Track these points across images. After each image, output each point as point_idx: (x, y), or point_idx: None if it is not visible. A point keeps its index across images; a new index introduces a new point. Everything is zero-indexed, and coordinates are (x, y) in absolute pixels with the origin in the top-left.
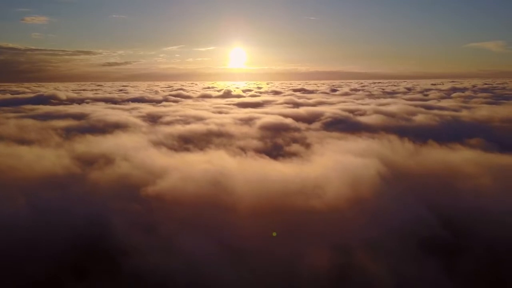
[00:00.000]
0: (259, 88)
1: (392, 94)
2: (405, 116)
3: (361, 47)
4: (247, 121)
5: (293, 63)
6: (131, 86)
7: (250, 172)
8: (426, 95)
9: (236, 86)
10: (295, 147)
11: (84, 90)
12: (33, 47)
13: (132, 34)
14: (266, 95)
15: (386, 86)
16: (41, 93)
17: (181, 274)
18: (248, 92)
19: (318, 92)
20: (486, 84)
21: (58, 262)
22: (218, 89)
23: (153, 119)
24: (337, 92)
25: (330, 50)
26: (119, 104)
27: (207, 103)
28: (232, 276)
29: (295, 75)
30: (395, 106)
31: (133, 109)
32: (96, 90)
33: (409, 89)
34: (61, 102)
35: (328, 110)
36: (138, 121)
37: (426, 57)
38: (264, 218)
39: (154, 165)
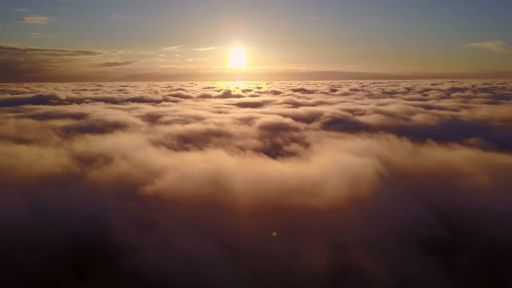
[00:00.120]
0: (259, 88)
1: (391, 94)
2: (405, 116)
3: (361, 47)
4: (247, 120)
5: (293, 63)
6: (131, 86)
7: (249, 171)
8: (426, 95)
9: (236, 86)
10: (294, 147)
11: (84, 90)
12: (33, 47)
13: (132, 34)
14: (265, 95)
15: (386, 86)
16: (41, 93)
17: (179, 273)
18: (247, 92)
19: (317, 92)
20: (485, 84)
21: (56, 261)
22: (217, 89)
23: (153, 119)
24: (336, 92)
25: (330, 50)
26: (119, 104)
27: (206, 103)
28: (230, 275)
29: (295, 75)
30: (395, 106)
31: (132, 109)
32: (96, 90)
33: (408, 89)
34: (60, 102)
35: (328, 110)
36: (138, 121)
37: (426, 57)
38: (263, 217)
39: (153, 164)
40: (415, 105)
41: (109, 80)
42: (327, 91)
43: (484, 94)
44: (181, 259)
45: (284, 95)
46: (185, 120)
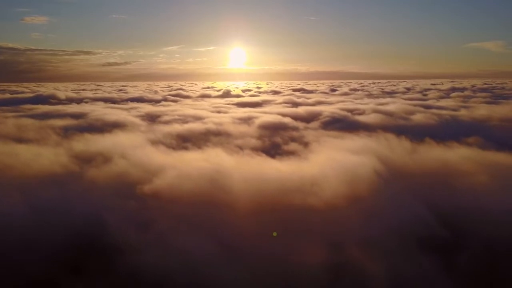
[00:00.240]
0: (258, 88)
1: (391, 94)
2: (404, 115)
3: (361, 47)
4: (246, 120)
5: (293, 63)
6: (131, 86)
7: (247, 170)
8: (425, 95)
9: (235, 86)
10: (293, 146)
11: (83, 90)
12: (33, 47)
13: (132, 34)
14: (265, 95)
15: (386, 86)
16: (40, 93)
17: (178, 272)
18: (247, 92)
19: (317, 92)
20: (485, 84)
21: (55, 261)
22: (217, 89)
23: (152, 119)
24: (336, 92)
25: (330, 50)
26: (118, 104)
27: (206, 102)
28: (229, 274)
29: (295, 75)
30: (394, 105)
31: (132, 108)
32: (95, 90)
33: (408, 89)
34: (60, 101)
35: (327, 110)
36: (137, 120)
37: (426, 57)
38: (261, 216)
39: (151, 163)
40: (415, 105)
41: (109, 80)
42: (327, 91)
43: (483, 94)
44: (179, 258)
45: (283, 95)
46: (184, 119)
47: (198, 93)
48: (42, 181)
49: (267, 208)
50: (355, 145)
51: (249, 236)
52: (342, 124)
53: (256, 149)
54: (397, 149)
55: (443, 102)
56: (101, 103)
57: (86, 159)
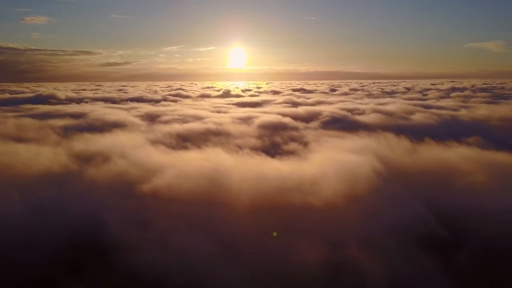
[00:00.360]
0: (258, 88)
1: (391, 93)
2: (403, 115)
3: (361, 47)
4: (246, 120)
5: (293, 63)
6: (131, 86)
7: (247, 170)
8: (425, 94)
9: (235, 86)
10: (293, 146)
11: (83, 90)
12: (33, 47)
13: (132, 34)
14: (265, 94)
15: (386, 86)
16: (40, 92)
17: (177, 271)
18: (247, 92)
19: (317, 92)
20: (485, 84)
21: (54, 260)
22: (217, 89)
23: (152, 118)
24: (336, 92)
25: (330, 50)
26: (118, 104)
27: (206, 102)
28: (228, 274)
29: (295, 75)
30: (394, 105)
31: (131, 108)
32: (95, 90)
33: (408, 89)
34: (60, 101)
35: (327, 109)
36: (137, 120)
37: (426, 57)
38: (261, 216)
39: (151, 163)
40: (414, 105)
41: (109, 80)
42: (326, 91)
43: (483, 94)
44: (179, 257)
45: (283, 95)
46: (184, 119)
47: (198, 93)
48: (41, 181)
49: (266, 207)
50: (354, 144)
51: (249, 236)
52: (342, 124)
53: (255, 149)
54: (397, 148)
55: (443, 102)
56: (101, 103)
57: (86, 159)
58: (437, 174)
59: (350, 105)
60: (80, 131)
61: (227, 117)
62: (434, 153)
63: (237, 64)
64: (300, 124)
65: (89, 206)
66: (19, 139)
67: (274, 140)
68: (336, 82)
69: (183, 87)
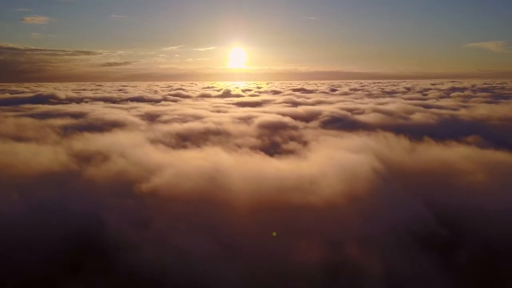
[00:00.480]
0: (258, 88)
1: (391, 93)
2: (403, 114)
3: (362, 47)
4: (246, 119)
5: (293, 63)
6: (131, 86)
7: (246, 169)
8: (425, 94)
9: (235, 86)
10: (292, 145)
11: (83, 90)
12: (33, 47)
13: (132, 34)
14: (265, 94)
15: (386, 86)
16: (40, 92)
17: (177, 271)
18: (247, 92)
19: (317, 91)
20: (485, 84)
21: (54, 259)
22: (217, 89)
23: (152, 118)
24: (336, 92)
25: (330, 50)
26: (118, 104)
27: (206, 102)
28: (227, 273)
29: (295, 75)
30: (394, 105)
31: (131, 108)
32: (95, 90)
33: (408, 89)
34: (60, 101)
35: (327, 109)
36: (137, 120)
37: (427, 57)
38: (260, 215)
39: (150, 162)
40: (414, 104)
41: (109, 80)
42: (327, 90)
43: (483, 94)
44: (178, 256)
45: (283, 95)
46: (184, 119)
47: (198, 93)
48: (41, 180)
49: (266, 206)
50: (354, 144)
51: (248, 235)
52: (342, 124)
53: (255, 148)
54: (396, 148)
55: (443, 102)
56: (101, 103)
57: (85, 158)
58: (437, 173)
59: (350, 105)
60: (80, 131)
61: (227, 117)
62: (433, 153)
63: (237, 64)
64: (300, 124)
65: (88, 205)
66: (19, 139)
67: (274, 140)
68: (336, 82)
69: (183, 87)
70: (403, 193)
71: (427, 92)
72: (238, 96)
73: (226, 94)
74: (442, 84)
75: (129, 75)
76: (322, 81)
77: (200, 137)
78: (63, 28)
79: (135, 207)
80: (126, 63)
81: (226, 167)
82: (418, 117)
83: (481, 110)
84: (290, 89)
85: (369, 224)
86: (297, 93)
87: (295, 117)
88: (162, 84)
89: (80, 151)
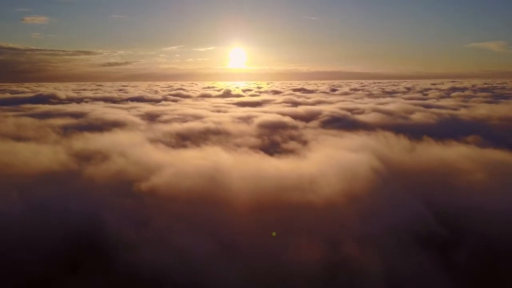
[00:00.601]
0: (259, 88)
1: (391, 93)
2: (403, 114)
3: (363, 47)
4: (246, 119)
5: (294, 63)
6: (131, 86)
7: (246, 168)
8: (426, 94)
9: (236, 86)
10: (292, 145)
11: (84, 90)
12: (33, 47)
13: (132, 34)
14: (265, 94)
15: (386, 86)
16: (41, 92)
17: (176, 270)
18: (248, 91)
19: (318, 91)
20: (486, 84)
21: (54, 259)
22: (218, 89)
23: (152, 118)
24: (336, 92)
25: (331, 50)
26: (118, 103)
27: (206, 102)
28: (227, 272)
29: (295, 75)
30: (394, 105)
31: (132, 108)
32: (96, 90)
33: (408, 89)
34: (60, 101)
35: (327, 109)
36: (137, 120)
37: (428, 57)
38: (260, 214)
39: (150, 161)
40: (415, 104)
41: (109, 80)
42: (327, 90)
43: (483, 94)
44: (178, 256)
45: (284, 95)
46: (184, 118)
47: (198, 93)
48: (41, 180)
49: (265, 206)
50: (354, 143)
51: (248, 234)
52: (342, 123)
53: (255, 148)
54: (396, 147)
55: (443, 102)
56: (101, 103)
57: (85, 158)
58: (437, 173)
59: (350, 105)
60: (80, 130)
61: (227, 117)
62: (433, 152)
63: (238, 64)
64: (299, 123)
65: (88, 205)
66: (19, 138)
67: (274, 139)
68: (337, 82)
69: (183, 87)
70: (403, 192)
71: (427, 92)
72: (238, 96)
73: (227, 94)
74: (443, 84)
75: (129, 75)
76: (322, 81)
77: (200, 136)
78: (63, 28)
79: (135, 206)
80: (126, 63)
81: (226, 167)
82: (418, 117)
83: (481, 110)
84: (290, 89)
85: (369, 224)
86: (297, 93)
87: (295, 117)
88: (162, 84)
89: (80, 151)
